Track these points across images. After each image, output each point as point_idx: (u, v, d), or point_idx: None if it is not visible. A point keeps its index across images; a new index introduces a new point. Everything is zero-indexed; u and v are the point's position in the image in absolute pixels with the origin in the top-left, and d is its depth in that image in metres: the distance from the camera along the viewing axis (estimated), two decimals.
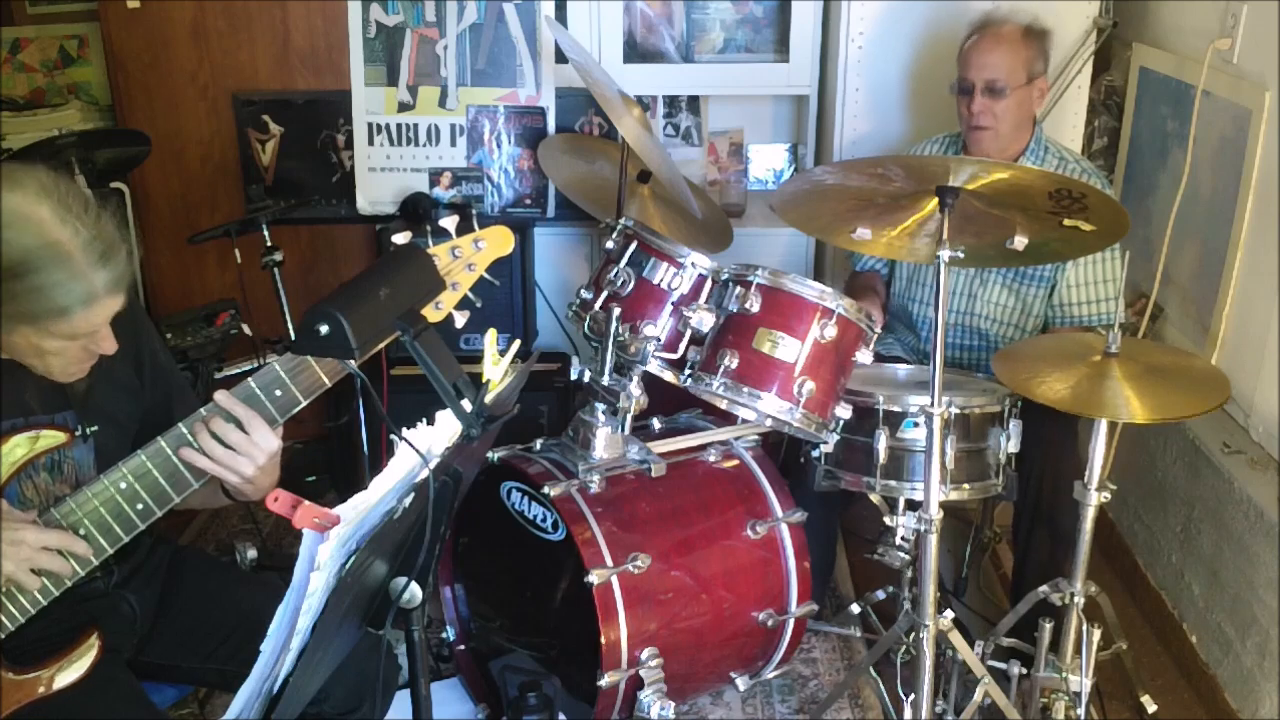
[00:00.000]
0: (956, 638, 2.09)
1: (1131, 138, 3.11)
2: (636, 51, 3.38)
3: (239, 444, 1.50)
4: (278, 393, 1.52)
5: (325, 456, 3.40)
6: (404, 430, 1.38)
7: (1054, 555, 2.35)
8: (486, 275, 1.60)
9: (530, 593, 2.30)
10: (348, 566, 1.32)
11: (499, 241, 1.59)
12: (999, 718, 2.15)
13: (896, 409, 2.20)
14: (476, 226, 1.59)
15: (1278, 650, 2.20)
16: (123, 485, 1.51)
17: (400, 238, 1.53)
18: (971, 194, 1.90)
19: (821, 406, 2.11)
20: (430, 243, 1.55)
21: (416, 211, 3.25)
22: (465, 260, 1.57)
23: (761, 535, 2.26)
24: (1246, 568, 2.34)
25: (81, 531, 1.51)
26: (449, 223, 1.55)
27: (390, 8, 3.25)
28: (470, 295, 1.59)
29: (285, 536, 3.09)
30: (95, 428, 1.62)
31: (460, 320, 1.57)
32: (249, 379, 1.52)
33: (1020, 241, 1.94)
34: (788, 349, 2.07)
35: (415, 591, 1.42)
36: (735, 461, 2.36)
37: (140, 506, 1.52)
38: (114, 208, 3.23)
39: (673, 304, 2.19)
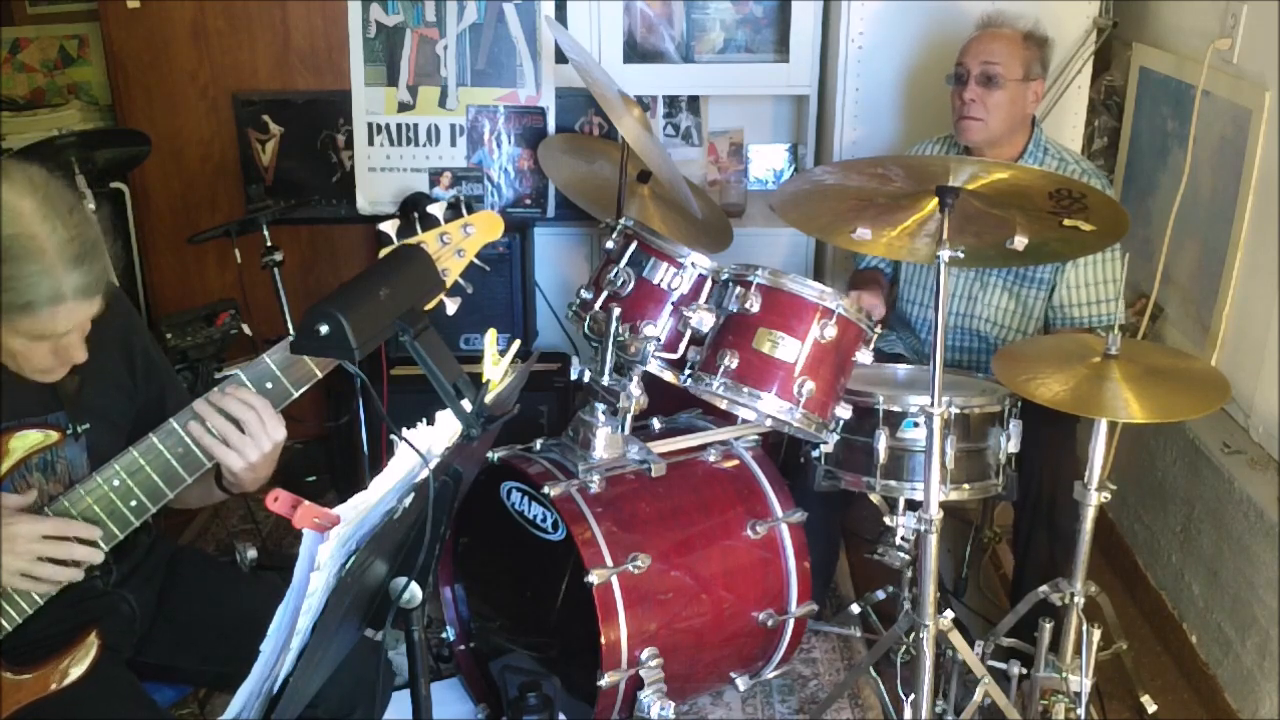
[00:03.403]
0: (956, 638, 2.09)
1: (1131, 138, 3.11)
2: (636, 51, 3.38)
3: (250, 426, 1.50)
4: (269, 385, 1.52)
5: (325, 456, 3.40)
6: (404, 430, 1.38)
7: (1054, 555, 2.35)
8: (477, 261, 1.59)
9: (530, 593, 2.30)
10: (348, 566, 1.32)
11: (488, 226, 1.59)
12: (999, 718, 2.15)
13: (896, 409, 2.20)
14: (465, 214, 1.59)
15: (1278, 650, 2.20)
16: (116, 482, 1.51)
17: (387, 226, 1.53)
18: (971, 194, 1.90)
19: (821, 406, 2.11)
20: (419, 230, 1.55)
21: (416, 212, 3.24)
22: (454, 246, 1.56)
23: (761, 535, 2.26)
24: (1246, 568, 2.34)
25: None
26: (437, 209, 1.55)
27: (390, 8, 3.25)
28: (461, 281, 1.59)
29: (285, 536, 3.09)
30: (86, 426, 1.61)
31: (451, 307, 1.57)
32: (239, 370, 1.52)
33: (1020, 241, 1.94)
34: (788, 349, 2.07)
35: (415, 591, 1.42)
36: (735, 461, 2.36)
37: (134, 503, 1.52)
38: (110, 210, 3.25)
39: (673, 304, 2.19)
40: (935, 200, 1.93)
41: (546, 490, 2.11)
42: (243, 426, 1.51)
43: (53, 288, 1.41)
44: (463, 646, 2.45)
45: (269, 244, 2.84)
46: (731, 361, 2.07)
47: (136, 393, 1.72)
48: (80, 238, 1.43)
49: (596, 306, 2.23)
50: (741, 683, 2.32)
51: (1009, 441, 2.22)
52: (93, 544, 1.50)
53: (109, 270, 1.49)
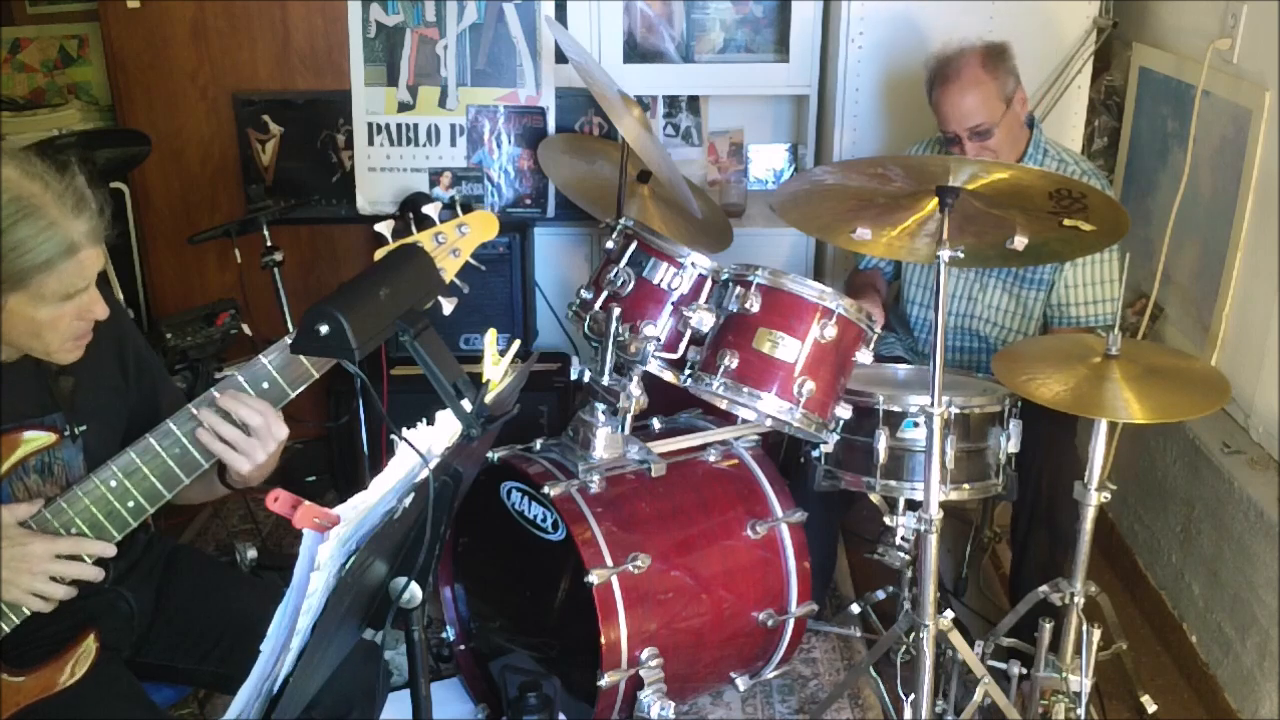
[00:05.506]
0: (956, 638, 2.09)
1: (1131, 138, 3.11)
2: (636, 51, 3.38)
3: (257, 429, 1.51)
4: (265, 386, 1.53)
5: (325, 456, 3.40)
6: (404, 430, 1.38)
7: (1054, 555, 2.35)
8: (472, 260, 1.59)
9: (530, 593, 2.30)
10: (348, 566, 1.32)
11: (483, 225, 1.59)
12: (999, 718, 2.15)
13: (896, 409, 2.20)
14: (461, 213, 1.60)
15: (1278, 650, 2.20)
16: (113, 483, 1.51)
17: (383, 226, 1.53)
18: (971, 194, 1.90)
19: (821, 406, 2.11)
20: (414, 230, 1.55)
21: (412, 212, 3.25)
22: (450, 246, 1.57)
23: (761, 535, 2.26)
24: (1246, 568, 2.34)
25: (74, 531, 1.51)
26: (432, 209, 1.55)
27: (390, 8, 3.25)
28: (457, 281, 1.59)
29: (285, 536, 3.09)
30: (84, 428, 1.61)
31: (448, 307, 1.57)
32: (235, 372, 1.52)
33: (1020, 241, 1.94)
34: (788, 349, 2.07)
35: (415, 591, 1.42)
36: (735, 461, 2.36)
37: (131, 504, 1.52)
38: (111, 210, 3.25)
39: (673, 304, 2.19)
40: (935, 200, 1.93)
41: (546, 490, 2.11)
42: (248, 430, 1.51)
43: (65, 239, 1.43)
44: (463, 646, 2.45)
45: (269, 244, 2.85)
46: (731, 361, 2.07)
47: (129, 392, 1.72)
48: (71, 188, 1.46)
49: (596, 306, 2.23)
50: (741, 683, 2.32)
51: (1009, 441, 2.22)
52: (99, 562, 1.51)
53: (106, 215, 1.50)
